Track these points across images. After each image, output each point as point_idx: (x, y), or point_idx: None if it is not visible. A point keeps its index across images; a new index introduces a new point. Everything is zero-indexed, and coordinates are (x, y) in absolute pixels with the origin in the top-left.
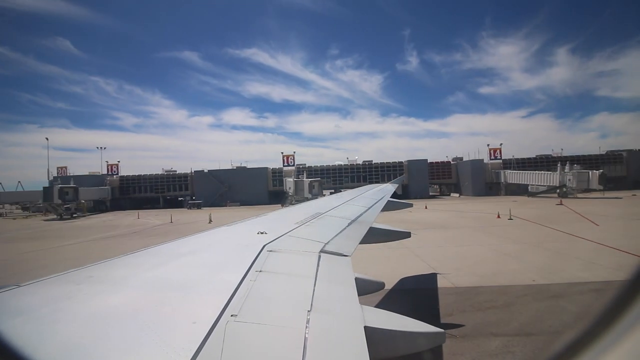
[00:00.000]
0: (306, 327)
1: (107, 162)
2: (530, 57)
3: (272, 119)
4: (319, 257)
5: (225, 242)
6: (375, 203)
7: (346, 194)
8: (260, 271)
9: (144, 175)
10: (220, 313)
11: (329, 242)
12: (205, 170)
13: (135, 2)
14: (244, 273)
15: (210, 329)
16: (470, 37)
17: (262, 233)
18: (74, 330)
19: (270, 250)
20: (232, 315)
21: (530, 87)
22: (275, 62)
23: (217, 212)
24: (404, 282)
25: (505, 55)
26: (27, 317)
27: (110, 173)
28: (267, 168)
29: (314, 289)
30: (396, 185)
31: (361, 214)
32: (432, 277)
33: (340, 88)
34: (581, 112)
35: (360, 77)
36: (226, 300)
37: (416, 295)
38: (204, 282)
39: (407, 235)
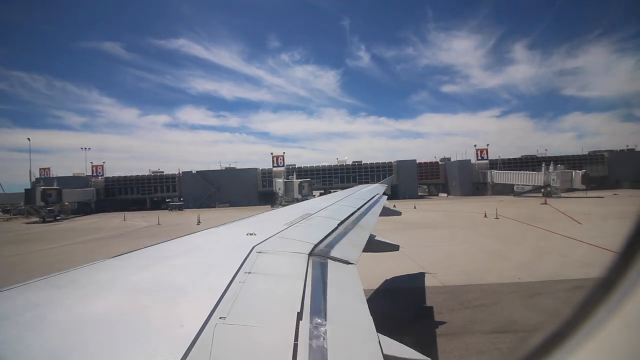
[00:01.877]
0: (296, 328)
1: (91, 163)
2: (488, 53)
3: (233, 119)
4: (309, 258)
5: (214, 244)
6: (365, 203)
7: (336, 195)
8: (250, 272)
9: (129, 176)
10: (209, 315)
11: (319, 243)
12: (194, 171)
13: None
14: (232, 275)
15: (199, 332)
16: (416, 30)
17: (251, 234)
18: (57, 336)
19: (260, 252)
20: (220, 318)
21: (494, 85)
22: (213, 56)
23: (205, 214)
24: (393, 281)
25: (462, 51)
26: (7, 322)
27: (95, 174)
28: (256, 169)
29: (304, 290)
30: (385, 186)
31: (351, 214)
32: (420, 277)
33: (295, 86)
34: (553, 112)
35: (313, 74)
36: (214, 303)
37: (405, 294)
38: (191, 284)
39: (395, 248)
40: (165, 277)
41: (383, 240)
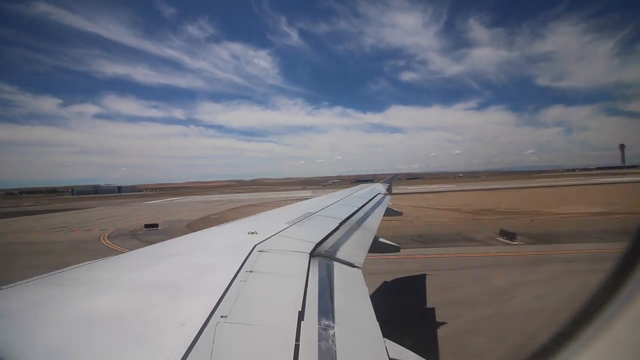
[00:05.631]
0: (297, 327)
1: None
2: (442, 33)
3: (175, 110)
4: (310, 257)
5: (216, 243)
6: (367, 203)
7: (337, 194)
8: (251, 271)
9: None
10: (210, 314)
11: (320, 242)
12: None
13: None
14: (234, 273)
15: (200, 330)
16: None
17: (252, 233)
18: (58, 334)
19: (261, 251)
20: (222, 317)
21: (458, 73)
22: (100, 29)
23: None
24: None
25: (409, 28)
26: (8, 320)
27: None
28: None
29: (305, 289)
30: (386, 185)
31: (353, 214)
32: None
33: (226, 71)
34: (534, 105)
35: (242, 56)
36: (216, 301)
37: None
38: (193, 283)
39: (396, 249)
40: (167, 275)
41: (386, 241)
